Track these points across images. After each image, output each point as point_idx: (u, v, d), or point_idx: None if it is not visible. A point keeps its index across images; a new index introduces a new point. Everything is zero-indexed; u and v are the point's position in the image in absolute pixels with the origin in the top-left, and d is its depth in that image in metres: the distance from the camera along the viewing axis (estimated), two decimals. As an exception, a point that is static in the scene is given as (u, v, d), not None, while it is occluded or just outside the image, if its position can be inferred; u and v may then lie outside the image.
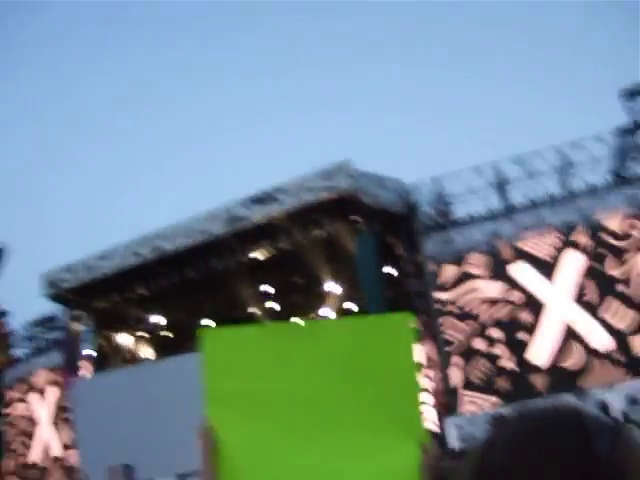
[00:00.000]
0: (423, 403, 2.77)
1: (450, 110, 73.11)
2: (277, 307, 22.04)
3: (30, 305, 27.82)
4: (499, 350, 19.31)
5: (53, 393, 26.23)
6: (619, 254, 19.04)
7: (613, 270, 19.03)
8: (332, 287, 21.77)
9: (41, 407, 27.09)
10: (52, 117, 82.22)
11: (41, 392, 27.07)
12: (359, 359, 2.63)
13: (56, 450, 26.43)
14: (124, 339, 24.79)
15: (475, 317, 19.56)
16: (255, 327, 2.99)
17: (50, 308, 25.97)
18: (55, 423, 26.46)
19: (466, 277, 19.72)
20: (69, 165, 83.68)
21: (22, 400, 27.94)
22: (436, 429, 18.94)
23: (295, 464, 2.56)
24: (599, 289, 18.98)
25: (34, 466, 27.24)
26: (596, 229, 19.22)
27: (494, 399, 19.03)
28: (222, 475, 2.52)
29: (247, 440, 2.59)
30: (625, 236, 19.13)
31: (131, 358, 24.46)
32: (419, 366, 2.64)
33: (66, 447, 25.85)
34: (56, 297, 23.73)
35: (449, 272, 19.82)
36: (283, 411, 2.61)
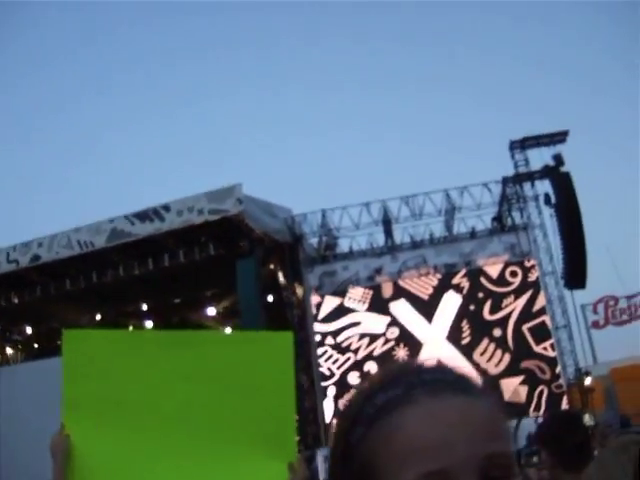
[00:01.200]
0: (295, 424, 2.61)
1: (342, 145, 74.32)
2: (151, 326, 21.58)
3: None
4: (373, 385, 19.47)
5: None
6: (497, 299, 19.60)
7: (490, 314, 19.55)
8: (211, 310, 21.56)
9: None
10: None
11: None
12: (234, 373, 2.51)
13: None
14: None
15: (352, 351, 19.69)
16: (124, 331, 2.77)
17: None
18: None
19: (347, 310, 19.85)
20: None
21: None
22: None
23: (151, 477, 2.43)
24: (475, 331, 19.46)
25: None
26: (476, 273, 19.75)
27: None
28: None
29: (103, 450, 2.44)
30: (504, 282, 19.72)
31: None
32: (294, 391, 2.49)
33: None
34: None
35: (330, 304, 19.91)
36: (144, 421, 2.46)
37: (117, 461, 2.45)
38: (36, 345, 22.29)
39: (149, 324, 21.64)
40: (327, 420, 19.39)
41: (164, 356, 2.54)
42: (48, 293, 20.63)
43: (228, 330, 22.08)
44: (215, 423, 2.49)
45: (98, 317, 21.96)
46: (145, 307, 21.27)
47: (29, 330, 21.43)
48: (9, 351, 21.53)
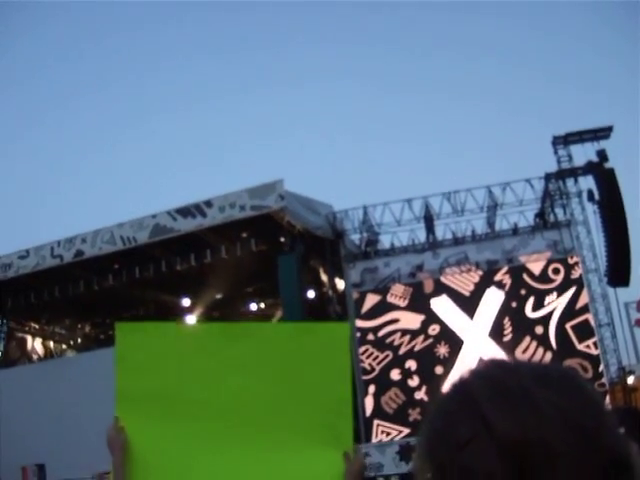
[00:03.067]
0: (352, 415, 2.60)
1: (386, 141, 74.13)
2: (193, 321, 21.73)
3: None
4: (414, 382, 19.42)
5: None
6: (540, 296, 19.40)
7: (532, 312, 19.36)
8: (253, 306, 21.64)
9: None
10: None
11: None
12: (290, 364, 2.53)
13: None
14: (36, 341, 24.12)
15: (394, 348, 19.64)
16: (176, 324, 2.80)
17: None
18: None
19: (388, 307, 19.80)
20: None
21: None
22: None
23: (207, 468, 2.44)
24: (517, 329, 19.28)
25: None
26: (518, 270, 19.57)
27: (405, 430, 19.09)
28: (132, 476, 2.39)
29: (157, 441, 2.45)
30: (546, 279, 19.51)
31: (39, 360, 23.81)
32: (351, 381, 2.55)
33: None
34: (-30, 293, 22.94)
35: (371, 301, 19.88)
36: (198, 413, 2.47)
37: (172, 452, 2.46)
38: (79, 340, 22.57)
39: (191, 319, 21.80)
40: (367, 416, 19.37)
41: (217, 348, 2.55)
42: (91, 288, 20.88)
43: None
44: (270, 413, 2.50)
45: (141, 312, 22.17)
46: (187, 303, 21.40)
47: (72, 324, 21.67)
48: (56, 344, 21.79)
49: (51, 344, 22.96)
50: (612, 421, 0.88)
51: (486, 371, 0.91)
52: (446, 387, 0.93)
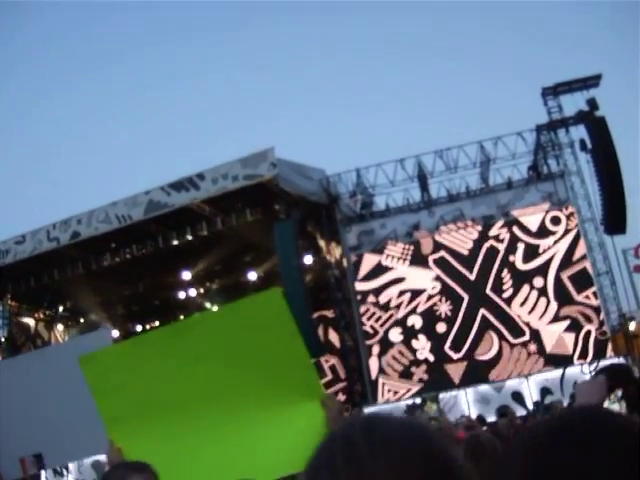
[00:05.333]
0: (312, 365, 2.82)
1: (375, 102, 73.81)
2: (194, 294, 21.79)
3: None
4: (417, 341, 19.50)
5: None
6: (537, 248, 19.44)
7: (530, 264, 19.40)
8: (252, 275, 21.67)
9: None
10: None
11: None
12: (240, 341, 2.65)
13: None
14: (38, 325, 24.20)
15: (395, 308, 19.71)
16: (128, 341, 2.95)
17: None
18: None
19: (386, 268, 19.84)
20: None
21: None
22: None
23: (203, 452, 2.57)
24: (516, 282, 19.34)
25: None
26: (515, 224, 19.58)
27: (411, 389, 19.20)
28: None
29: (153, 448, 2.57)
30: (543, 231, 19.54)
31: (44, 345, 23.89)
32: (300, 336, 2.68)
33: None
34: (-31, 281, 22.97)
35: (369, 263, 19.92)
36: (179, 410, 2.60)
37: (169, 452, 2.58)
38: (82, 320, 22.65)
39: (192, 292, 21.85)
40: (373, 378, 19.50)
41: (171, 348, 2.69)
42: (89, 268, 20.90)
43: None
44: (241, 389, 2.64)
45: (140, 290, 22.21)
46: (187, 276, 21.43)
47: (74, 306, 21.71)
48: (60, 327, 21.84)
49: (55, 328, 23.02)
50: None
51: (344, 434, 1.02)
52: (321, 441, 1.05)
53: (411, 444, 0.95)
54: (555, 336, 18.98)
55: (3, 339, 23.71)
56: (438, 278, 19.66)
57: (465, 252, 19.70)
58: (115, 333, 21.44)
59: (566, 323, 18.99)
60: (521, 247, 19.53)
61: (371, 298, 19.79)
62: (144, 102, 78.74)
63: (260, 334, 2.65)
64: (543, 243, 19.50)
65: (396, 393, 19.33)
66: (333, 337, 21.65)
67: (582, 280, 19.19)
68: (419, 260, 19.77)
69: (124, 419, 2.64)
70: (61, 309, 21.68)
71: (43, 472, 16.62)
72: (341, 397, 19.81)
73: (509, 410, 14.89)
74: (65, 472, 19.96)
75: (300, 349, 2.66)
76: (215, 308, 22.75)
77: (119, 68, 78.48)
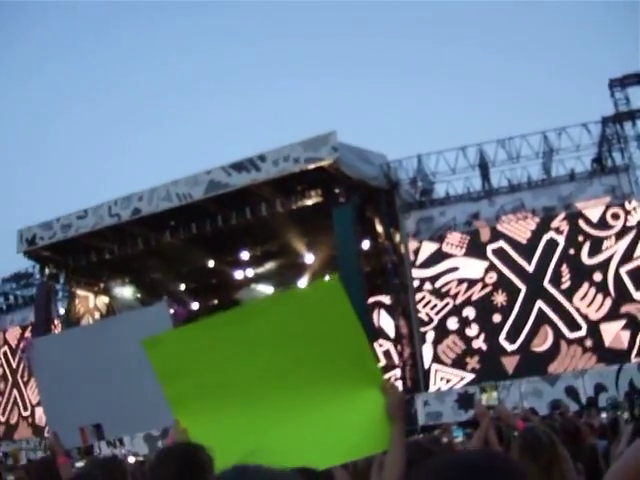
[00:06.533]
0: (372, 352, 2.84)
1: (438, 89, 73.06)
2: (251, 274, 21.98)
3: (5, 261, 27.58)
4: (472, 330, 19.42)
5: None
6: (597, 243, 19.12)
7: (590, 258, 19.11)
8: (309, 257, 21.75)
9: (12, 364, 26.99)
10: (49, 76, 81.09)
11: (12, 349, 26.95)
12: (301, 327, 2.71)
13: (24, 407, 26.39)
14: (98, 299, 24.70)
15: (451, 296, 19.65)
16: (191, 325, 3.03)
17: (25, 265, 25.81)
18: (25, 381, 26.40)
19: (444, 256, 19.76)
20: (54, 127, 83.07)
21: (-7, 356, 27.83)
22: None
23: (267, 432, 2.61)
24: (575, 276, 19.07)
25: (2, 422, 27.19)
26: (576, 216, 19.29)
27: (464, 377, 19.15)
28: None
29: (218, 428, 2.64)
30: (604, 225, 19.21)
31: (102, 318, 24.40)
32: (359, 324, 2.73)
33: (33, 405, 25.82)
34: (32, 254, 23.53)
35: (427, 250, 19.86)
36: (243, 391, 2.67)
37: (233, 435, 2.60)
38: (139, 295, 23.03)
39: (249, 272, 22.04)
40: (426, 365, 19.49)
41: (234, 333, 2.74)
42: (149, 245, 21.25)
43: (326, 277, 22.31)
44: (302, 375, 2.69)
45: (197, 267, 22.48)
46: (245, 256, 21.62)
47: (132, 281, 22.10)
48: (118, 301, 22.22)
49: (113, 302, 23.46)
50: None
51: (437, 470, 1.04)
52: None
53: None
54: (612, 333, 18.68)
55: (63, 311, 24.29)
56: (495, 268, 19.51)
57: (524, 242, 19.49)
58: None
59: (624, 321, 18.66)
60: (582, 240, 19.21)
61: (427, 285, 19.74)
62: (216, 86, 79.44)
63: (321, 321, 2.71)
64: (605, 237, 19.16)
65: (449, 381, 19.30)
66: (388, 323, 21.67)
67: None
68: (476, 249, 19.62)
69: (189, 401, 2.71)
70: (120, 284, 22.03)
71: (97, 443, 17.01)
72: (396, 383, 19.79)
73: (562, 404, 14.72)
74: (118, 443, 20.37)
75: (360, 337, 2.71)
76: (271, 289, 22.97)
77: (198, 57, 79.02)
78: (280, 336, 2.72)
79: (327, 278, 2.78)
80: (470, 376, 19.16)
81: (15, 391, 26.76)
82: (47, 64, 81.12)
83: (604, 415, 13.95)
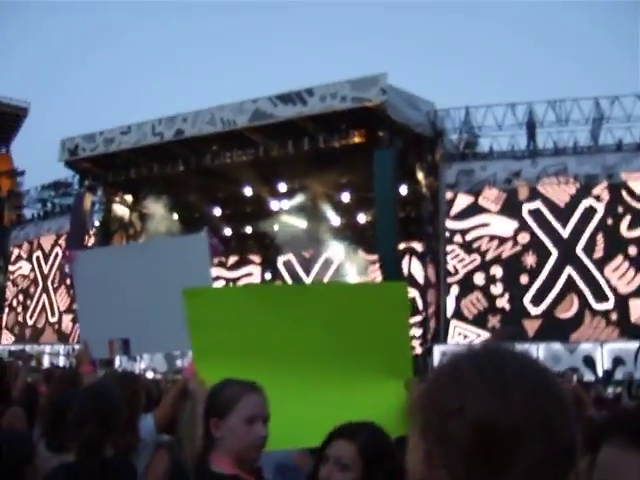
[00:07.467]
0: (411, 356, 3.06)
1: (491, 43, 71.78)
2: (287, 206, 22.07)
3: (46, 168, 28.03)
4: (497, 289, 19.40)
5: (57, 258, 26.70)
6: (638, 216, 18.83)
7: (628, 231, 18.86)
8: (345, 196, 21.79)
9: (44, 270, 27.62)
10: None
11: (46, 255, 27.56)
12: (351, 317, 2.83)
13: (52, 313, 27.07)
14: (132, 215, 25.02)
15: (481, 252, 19.60)
16: (238, 287, 3.12)
17: (65, 174, 26.21)
18: (55, 287, 27.03)
19: (478, 210, 19.66)
20: (114, 42, 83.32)
21: (26, 260, 28.49)
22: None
23: (287, 406, 2.66)
24: (610, 247, 18.86)
25: (29, 325, 27.95)
26: (619, 186, 19.00)
27: (483, 335, 19.18)
28: None
29: None
30: (646, 199, 18.91)
31: (135, 235, 24.74)
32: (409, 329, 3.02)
33: (61, 312, 26.48)
34: (72, 164, 23.87)
35: (462, 202, 19.77)
36: (269, 361, 2.74)
37: None
38: (174, 216, 23.27)
39: (285, 204, 22.12)
40: (448, 316, 19.55)
41: (280, 307, 2.83)
42: (189, 167, 21.42)
43: (360, 217, 22.39)
44: (335, 357, 2.79)
45: (235, 194, 22.62)
46: (283, 188, 21.71)
47: (170, 201, 22.29)
48: (159, 211, 22.42)
49: (145, 222, 23.72)
50: (571, 415, 1.00)
51: (478, 357, 1.02)
52: (444, 362, 1.05)
53: (541, 377, 1.01)
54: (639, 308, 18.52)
55: (98, 223, 24.70)
56: (528, 229, 19.36)
57: (562, 206, 19.27)
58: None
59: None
60: (622, 212, 18.91)
61: (458, 238, 19.69)
62: (263, 14, 78.86)
63: (374, 317, 2.82)
64: (646, 211, 18.82)
65: (466, 337, 19.35)
66: (417, 270, 21.77)
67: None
68: (513, 208, 19.45)
69: (213, 357, 2.75)
70: (156, 202, 22.23)
71: (118, 357, 17.47)
72: (417, 331, 19.99)
73: (567, 373, 14.80)
74: (138, 358, 20.87)
75: (405, 338, 2.88)
76: (304, 223, 23.09)
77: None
78: (328, 320, 2.82)
79: (397, 282, 2.93)
80: (488, 335, 19.18)
81: (45, 296, 27.44)
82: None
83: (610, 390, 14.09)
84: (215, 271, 24.92)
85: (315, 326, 2.81)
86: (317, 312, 2.83)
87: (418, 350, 19.18)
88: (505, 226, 19.52)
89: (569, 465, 0.98)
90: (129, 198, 24.96)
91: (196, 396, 2.74)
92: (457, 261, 19.67)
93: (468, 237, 19.68)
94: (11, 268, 29.22)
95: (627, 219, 18.91)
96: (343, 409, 2.62)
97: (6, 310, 28.99)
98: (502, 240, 19.51)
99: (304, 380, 2.75)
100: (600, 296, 18.74)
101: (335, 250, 23.40)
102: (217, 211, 23.92)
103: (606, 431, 1.02)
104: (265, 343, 2.80)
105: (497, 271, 19.51)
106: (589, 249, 19.01)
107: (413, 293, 20.86)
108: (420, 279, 21.33)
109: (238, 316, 2.84)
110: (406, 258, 21.89)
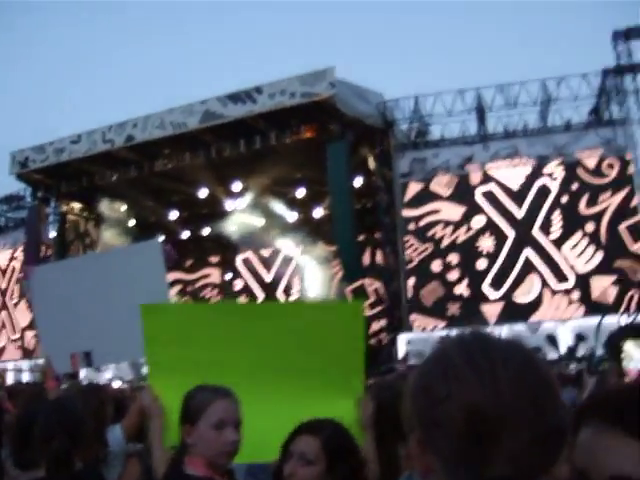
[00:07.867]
0: (363, 375, 3.05)
1: (437, 30, 72.12)
2: (242, 206, 22.01)
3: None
4: (454, 275, 19.44)
5: (14, 272, 26.24)
6: (593, 193, 18.98)
7: (585, 208, 19.02)
8: (300, 192, 21.79)
9: (1, 286, 27.12)
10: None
11: (2, 271, 27.06)
12: (307, 336, 2.86)
13: (13, 330, 26.59)
14: (88, 224, 24.72)
15: (435, 239, 19.63)
16: (195, 304, 3.14)
17: (17, 187, 25.74)
18: (15, 303, 26.55)
19: (430, 197, 19.69)
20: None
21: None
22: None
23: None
24: (567, 225, 19.02)
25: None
26: (572, 164, 19.18)
27: (441, 323, 19.17)
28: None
29: None
30: (600, 174, 19.08)
31: (92, 244, 24.44)
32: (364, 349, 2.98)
33: (23, 328, 26.02)
34: (23, 177, 23.45)
35: (414, 189, 19.79)
36: (223, 376, 2.67)
37: None
38: (129, 223, 23.06)
39: (240, 203, 22.04)
40: (407, 306, 19.54)
41: (236, 325, 2.86)
42: (142, 172, 21.21)
43: (318, 211, 22.36)
44: (287, 374, 2.82)
45: (189, 197, 22.47)
46: (237, 187, 21.63)
47: (125, 208, 22.12)
48: (114, 219, 22.21)
49: (103, 228, 23.46)
50: (559, 397, 1.03)
51: (466, 343, 1.05)
52: (434, 349, 1.08)
53: (527, 361, 1.02)
54: (601, 287, 18.65)
55: (54, 235, 24.32)
56: (483, 212, 19.45)
57: (515, 187, 19.40)
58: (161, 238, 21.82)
59: (614, 277, 18.56)
60: (576, 189, 19.02)
61: (412, 226, 19.70)
62: (208, 15, 78.21)
63: (329, 336, 2.86)
64: (600, 187, 18.90)
65: (424, 329, 19.28)
66: (376, 261, 21.84)
67: (637, 232, 18.62)
68: (465, 192, 19.52)
69: (169, 373, 2.77)
70: (111, 210, 22.04)
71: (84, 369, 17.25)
72: (382, 321, 20.00)
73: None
74: (104, 368, 20.60)
75: (358, 357, 2.89)
76: (262, 221, 23.02)
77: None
78: (284, 340, 2.85)
79: (353, 302, 2.94)
80: (449, 322, 19.03)
81: (4, 313, 26.95)
82: None
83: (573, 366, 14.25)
84: (174, 274, 24.78)
85: (271, 344, 2.84)
86: (274, 330, 2.85)
87: (385, 340, 19.20)
88: (457, 211, 19.57)
89: (559, 446, 0.99)
90: (84, 207, 24.63)
91: (150, 412, 2.77)
92: (412, 250, 19.66)
93: (421, 224, 19.67)
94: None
95: (585, 197, 19.03)
96: (295, 425, 2.62)
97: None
98: (456, 225, 19.53)
99: (259, 396, 2.74)
100: (560, 276, 18.89)
101: (294, 245, 23.39)
102: (173, 215, 23.79)
103: (585, 413, 1.01)
104: (221, 360, 2.80)
105: (453, 258, 19.54)
106: (546, 229, 19.17)
107: (377, 285, 20.89)
108: (379, 270, 21.37)
109: (195, 333, 2.85)
110: (369, 249, 21.96)
